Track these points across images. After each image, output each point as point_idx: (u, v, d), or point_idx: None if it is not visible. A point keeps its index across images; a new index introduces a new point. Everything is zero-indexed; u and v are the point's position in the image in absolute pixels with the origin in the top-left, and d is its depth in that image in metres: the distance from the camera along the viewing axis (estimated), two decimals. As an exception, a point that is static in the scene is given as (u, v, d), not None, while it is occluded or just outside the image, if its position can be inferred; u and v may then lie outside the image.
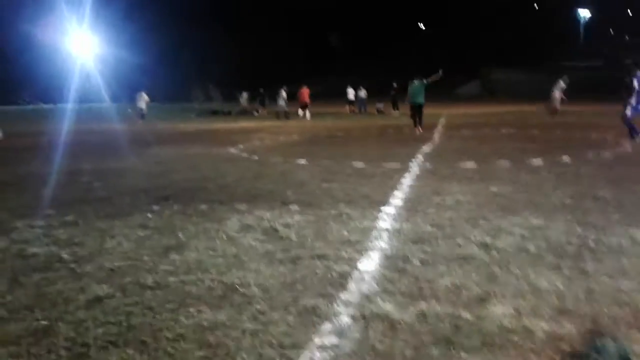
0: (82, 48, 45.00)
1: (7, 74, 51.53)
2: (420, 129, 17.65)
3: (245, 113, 32.98)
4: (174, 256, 4.68)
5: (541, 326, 3.17)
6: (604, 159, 10.28)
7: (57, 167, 10.53)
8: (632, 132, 13.16)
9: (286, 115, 28.61)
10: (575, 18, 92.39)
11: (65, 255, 4.79)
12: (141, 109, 29.07)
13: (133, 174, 9.74)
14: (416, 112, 17.98)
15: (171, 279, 4.13)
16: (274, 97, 31.30)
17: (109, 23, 47.77)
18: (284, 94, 29.88)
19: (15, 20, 50.37)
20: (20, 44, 50.66)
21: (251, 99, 35.86)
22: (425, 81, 18.04)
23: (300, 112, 29.03)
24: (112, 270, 4.38)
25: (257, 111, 32.92)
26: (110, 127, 22.23)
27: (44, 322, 3.40)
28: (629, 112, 13.19)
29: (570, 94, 24.20)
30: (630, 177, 8.17)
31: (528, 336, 3.06)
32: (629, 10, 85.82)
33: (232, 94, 41.77)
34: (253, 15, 75.14)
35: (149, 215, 6.28)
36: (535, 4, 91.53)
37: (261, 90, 35.25)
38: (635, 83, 13.08)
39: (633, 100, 13.08)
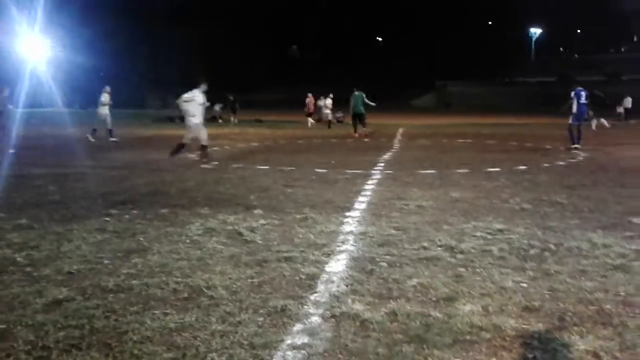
0: (33, 51, 43.64)
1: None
2: (360, 134, 19.32)
3: (215, 120, 32.15)
4: (135, 259, 4.55)
5: (510, 323, 3.22)
6: (558, 168, 10.60)
7: (7, 171, 10.12)
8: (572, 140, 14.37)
9: (329, 124, 28.30)
10: (527, 35, 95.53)
11: (19, 259, 4.59)
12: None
13: (89, 178, 9.46)
14: (357, 119, 19.86)
15: (134, 282, 4.00)
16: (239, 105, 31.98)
17: (63, 26, 46.44)
18: (328, 102, 30.36)
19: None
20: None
21: (223, 107, 34.97)
22: (364, 94, 19.88)
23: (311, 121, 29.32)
24: (70, 273, 4.22)
25: (230, 120, 32.15)
26: (63, 132, 21.55)
27: (1, 326, 3.24)
28: (570, 121, 14.62)
29: (524, 108, 24.84)
30: (584, 184, 8.45)
31: (498, 333, 3.09)
32: (578, 30, 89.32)
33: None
34: (214, 20, 74.55)
35: (107, 219, 6.09)
36: (489, 21, 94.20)
37: (231, 97, 34.50)
38: (573, 96, 14.51)
39: (574, 111, 14.42)
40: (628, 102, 32.21)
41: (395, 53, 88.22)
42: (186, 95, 11.13)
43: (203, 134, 11.19)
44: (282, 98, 65.66)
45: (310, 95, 31.79)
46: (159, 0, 66.03)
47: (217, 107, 34.04)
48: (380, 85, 75.11)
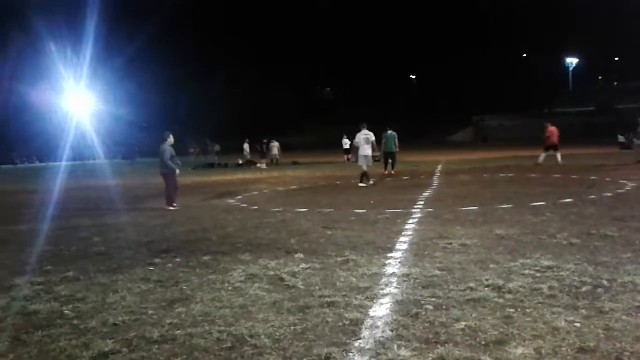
0: (78, 106, 45.46)
1: (3, 134, 51.95)
2: (391, 171, 20.10)
3: (248, 165, 31.84)
4: (179, 309, 4.57)
5: (565, 367, 3.07)
6: (605, 199, 10.26)
7: (55, 223, 10.42)
8: None
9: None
10: (564, 65, 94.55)
11: (67, 311, 4.67)
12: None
13: (132, 228, 9.64)
14: (389, 157, 20.40)
15: (178, 332, 4.00)
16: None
17: (106, 80, 48.45)
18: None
19: (12, 80, 51.03)
20: (17, 103, 51.20)
21: (253, 150, 34.16)
22: (396, 134, 20.64)
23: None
24: (116, 325, 4.25)
25: (265, 164, 30.48)
26: (105, 183, 22.16)
27: (47, 381, 3.27)
28: None
29: (564, 138, 24.22)
30: (634, 215, 8.14)
31: (553, 379, 2.95)
32: (616, 58, 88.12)
33: (230, 146, 41.74)
34: (246, 69, 76.68)
35: (151, 268, 6.17)
36: (523, 54, 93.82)
37: (265, 140, 33.10)
38: None
39: None
40: None
41: (430, 89, 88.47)
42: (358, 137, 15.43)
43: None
44: (316, 139, 66.38)
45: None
46: (194, 50, 68.41)
47: (245, 151, 33.32)
48: (416, 122, 75.21)
